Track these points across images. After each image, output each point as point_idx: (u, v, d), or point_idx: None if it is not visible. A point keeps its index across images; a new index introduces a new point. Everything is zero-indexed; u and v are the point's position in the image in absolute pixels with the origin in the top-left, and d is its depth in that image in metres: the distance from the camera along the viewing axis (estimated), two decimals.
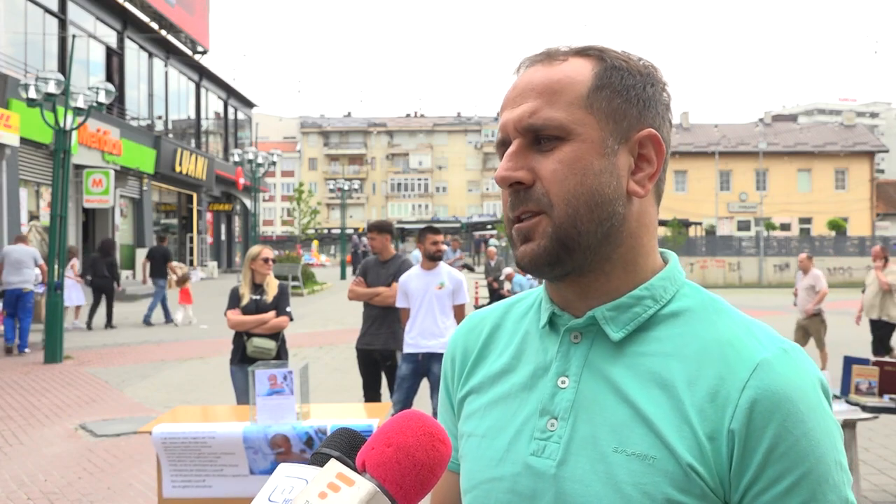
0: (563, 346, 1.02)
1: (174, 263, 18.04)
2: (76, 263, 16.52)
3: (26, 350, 12.60)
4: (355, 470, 0.77)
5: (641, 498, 0.90)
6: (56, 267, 12.07)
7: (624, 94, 0.99)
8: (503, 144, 1.03)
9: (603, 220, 0.97)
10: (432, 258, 6.18)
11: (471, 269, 34.24)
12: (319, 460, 0.78)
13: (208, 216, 34.53)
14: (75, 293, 15.82)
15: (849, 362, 5.52)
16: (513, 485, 0.99)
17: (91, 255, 16.91)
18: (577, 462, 0.95)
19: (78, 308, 16.32)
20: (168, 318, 16.92)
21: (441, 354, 5.95)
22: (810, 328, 10.25)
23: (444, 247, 6.26)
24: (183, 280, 17.20)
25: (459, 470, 1.11)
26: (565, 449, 0.96)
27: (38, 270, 12.82)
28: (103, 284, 15.89)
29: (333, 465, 0.75)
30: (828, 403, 0.93)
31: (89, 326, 15.91)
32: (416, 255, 16.73)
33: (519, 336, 1.09)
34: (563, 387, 1.00)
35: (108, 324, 16.01)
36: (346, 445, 0.79)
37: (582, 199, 0.96)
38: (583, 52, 1.02)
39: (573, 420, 0.97)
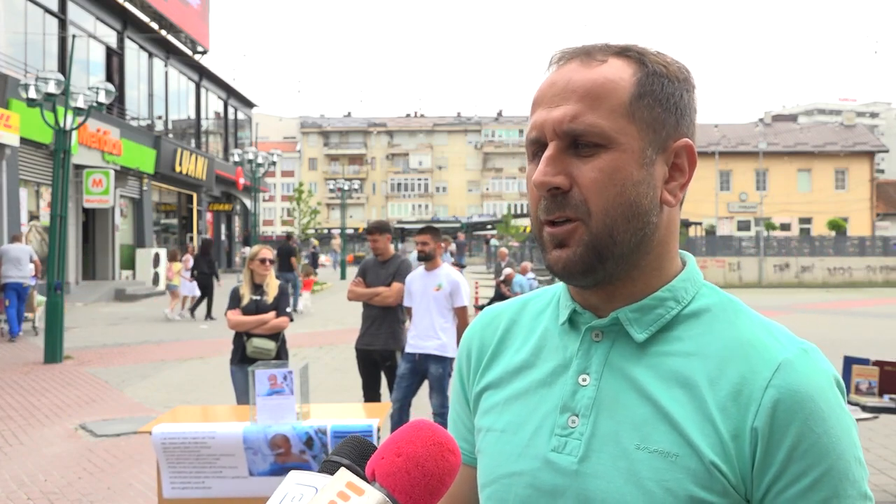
0: (584, 344, 1.03)
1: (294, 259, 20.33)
2: (189, 260, 18.24)
3: (19, 333, 14.02)
4: (365, 479, 0.77)
5: (664, 494, 0.91)
6: (56, 267, 12.06)
7: (664, 103, 1.00)
8: (536, 143, 1.01)
9: (637, 231, 0.98)
10: (419, 258, 6.22)
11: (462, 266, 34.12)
12: (329, 468, 0.78)
13: (208, 216, 34.52)
14: (187, 286, 18.08)
15: (849, 362, 5.51)
16: (533, 480, 1.00)
17: (194, 254, 19.09)
18: (599, 459, 0.96)
19: (185, 299, 18.31)
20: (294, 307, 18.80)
21: (435, 356, 6.00)
22: None
23: (430, 246, 6.24)
24: (307, 273, 19.72)
25: (474, 463, 1.12)
26: (587, 445, 0.97)
27: (31, 266, 14.17)
28: (204, 280, 17.88)
29: (343, 474, 0.75)
30: (844, 400, 0.95)
31: (192, 314, 18.13)
32: (415, 255, 16.75)
33: (537, 333, 1.10)
34: (584, 384, 1.00)
35: (208, 315, 17.78)
36: (356, 454, 0.79)
37: (620, 210, 0.97)
38: (622, 53, 1.01)
39: (594, 417, 0.98)
